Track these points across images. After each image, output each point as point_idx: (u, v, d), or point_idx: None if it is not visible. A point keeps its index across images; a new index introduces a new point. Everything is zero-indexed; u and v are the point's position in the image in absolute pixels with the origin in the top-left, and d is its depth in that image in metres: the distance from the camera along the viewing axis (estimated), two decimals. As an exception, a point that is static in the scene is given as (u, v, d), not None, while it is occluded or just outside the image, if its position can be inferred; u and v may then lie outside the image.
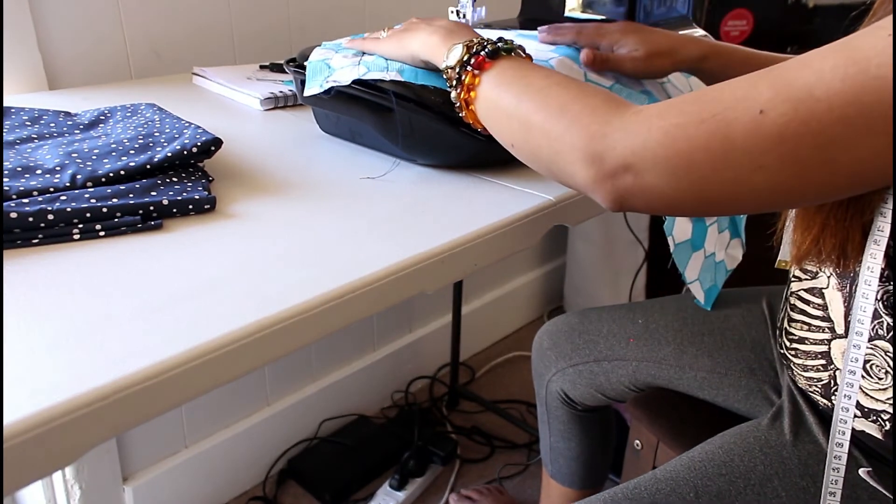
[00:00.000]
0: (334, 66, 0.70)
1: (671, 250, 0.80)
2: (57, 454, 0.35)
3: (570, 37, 0.75)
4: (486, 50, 0.56)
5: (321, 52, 0.73)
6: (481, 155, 0.69)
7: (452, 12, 0.84)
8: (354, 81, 0.67)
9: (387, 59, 0.67)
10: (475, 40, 0.58)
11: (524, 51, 0.59)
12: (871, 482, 0.63)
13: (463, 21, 0.83)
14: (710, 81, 0.75)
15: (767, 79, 0.43)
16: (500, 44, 0.57)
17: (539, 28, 0.79)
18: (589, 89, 0.51)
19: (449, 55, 0.58)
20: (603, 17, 1.13)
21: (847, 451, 0.58)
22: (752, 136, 0.42)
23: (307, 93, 0.71)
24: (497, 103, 0.55)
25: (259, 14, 1.18)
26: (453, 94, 0.59)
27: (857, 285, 0.57)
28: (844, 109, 0.40)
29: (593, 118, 0.48)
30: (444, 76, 0.59)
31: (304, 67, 0.74)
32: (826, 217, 0.56)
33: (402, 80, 0.65)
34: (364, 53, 0.69)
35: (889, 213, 0.52)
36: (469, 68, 0.56)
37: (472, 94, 0.57)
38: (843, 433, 0.59)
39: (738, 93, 0.44)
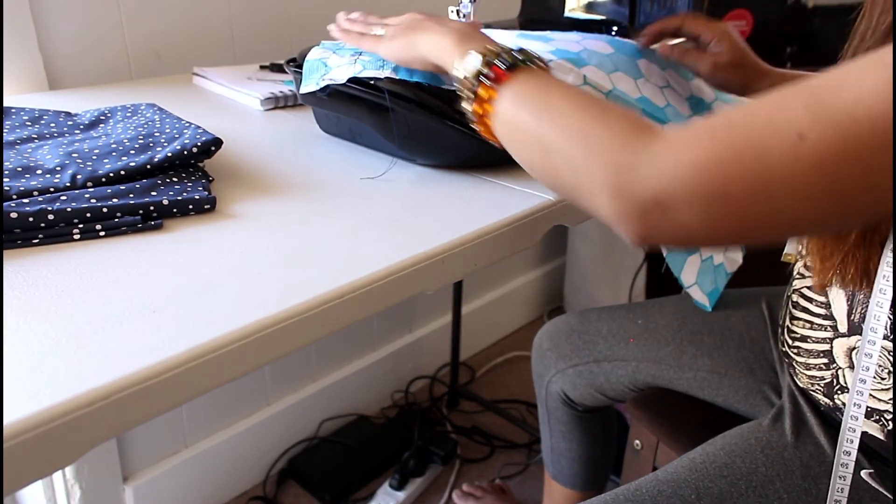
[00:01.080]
0: (331, 64, 0.70)
1: (664, 254, 0.79)
2: (57, 454, 0.35)
3: (676, 22, 0.76)
4: (504, 61, 0.52)
5: (319, 52, 0.73)
6: (481, 155, 0.69)
7: (452, 11, 0.83)
8: (352, 80, 0.67)
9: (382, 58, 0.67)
10: (491, 48, 0.54)
11: (543, 61, 0.55)
12: (873, 484, 0.63)
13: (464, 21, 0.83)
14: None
15: (804, 100, 0.40)
16: (518, 54, 0.53)
17: (644, 32, 0.78)
18: (613, 112, 0.48)
19: (463, 63, 0.54)
20: (603, 18, 1.13)
21: (854, 460, 0.57)
22: (792, 164, 0.40)
23: (303, 90, 0.71)
24: (516, 123, 0.51)
25: (259, 14, 1.18)
26: (466, 106, 0.55)
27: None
28: (887, 135, 0.38)
29: (620, 148, 0.45)
30: (457, 84, 0.55)
31: (303, 67, 0.74)
32: (847, 246, 0.55)
33: (397, 77, 0.65)
34: (361, 52, 0.69)
35: None
36: (486, 81, 0.52)
37: (487, 108, 0.53)
38: (852, 441, 0.58)
39: (774, 116, 0.41)
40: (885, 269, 0.54)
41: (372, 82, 0.66)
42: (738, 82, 0.74)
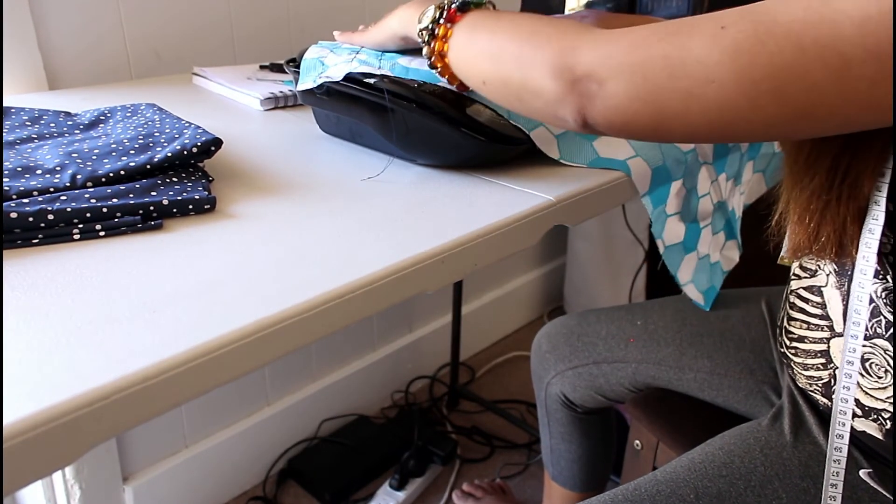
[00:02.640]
0: (328, 63, 0.70)
1: (661, 252, 0.80)
2: (57, 454, 0.35)
3: None
4: (457, 3, 0.58)
5: (317, 50, 0.73)
6: (481, 155, 0.69)
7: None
8: (352, 80, 0.67)
9: (378, 57, 0.68)
10: (446, 1, 0.59)
11: (493, 6, 0.60)
12: (872, 483, 0.63)
13: None
14: None
15: (740, 8, 0.44)
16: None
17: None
18: (559, 21, 0.53)
19: (422, 18, 0.60)
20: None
21: (847, 444, 0.57)
22: (709, 47, 0.43)
23: (300, 88, 0.72)
24: (470, 46, 0.56)
25: (259, 14, 1.18)
26: (426, 50, 0.60)
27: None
28: (800, 37, 0.40)
29: (565, 35, 0.50)
30: (419, 39, 0.60)
31: (304, 67, 0.74)
32: (822, 207, 0.56)
33: (394, 75, 0.65)
34: (358, 52, 0.70)
35: (882, 202, 0.52)
36: (441, 21, 0.58)
37: (445, 46, 0.58)
38: (843, 424, 0.58)
39: (708, 15, 0.45)
40: (864, 250, 0.54)
41: (372, 81, 0.66)
42: None
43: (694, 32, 0.44)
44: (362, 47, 0.71)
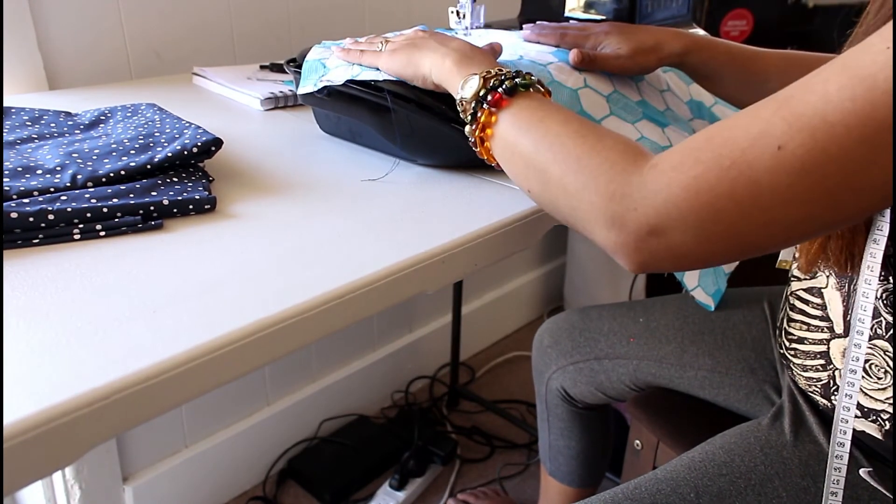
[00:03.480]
0: (329, 65, 0.70)
1: None
2: (57, 454, 0.35)
3: (553, 39, 0.75)
4: (504, 86, 0.54)
5: (319, 52, 0.73)
6: (481, 155, 0.69)
7: (452, 12, 0.83)
8: (352, 80, 0.67)
9: None
10: (492, 71, 0.55)
11: (542, 85, 0.56)
12: (872, 482, 0.63)
13: (463, 22, 0.83)
14: (693, 74, 0.76)
15: (776, 111, 0.42)
16: (517, 79, 0.54)
17: (524, 25, 0.79)
18: (608, 140, 0.49)
19: (464, 86, 0.56)
20: (603, 18, 1.13)
21: (848, 450, 0.57)
22: (776, 174, 0.41)
23: (301, 91, 0.71)
24: (514, 148, 0.53)
25: (259, 14, 1.18)
26: (467, 129, 0.56)
27: (856, 285, 0.57)
28: (861, 130, 0.39)
29: (613, 177, 0.46)
30: (459, 108, 0.57)
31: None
32: None
33: (395, 79, 0.65)
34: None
35: (888, 213, 0.52)
36: (485, 105, 0.54)
37: (487, 132, 0.55)
38: (845, 433, 0.59)
39: (751, 130, 0.42)
40: (868, 260, 0.54)
41: (372, 81, 0.66)
42: (657, 61, 0.73)
43: (753, 162, 0.42)
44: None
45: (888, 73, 0.38)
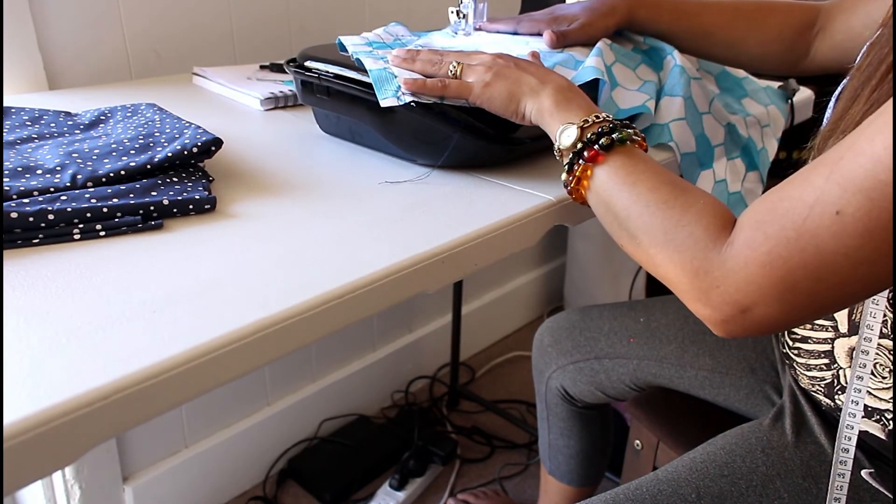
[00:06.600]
0: (400, 75, 0.66)
1: (678, 161, 0.76)
2: (57, 454, 0.35)
3: (533, 28, 0.79)
4: (601, 144, 0.55)
5: (362, 47, 0.72)
6: (481, 155, 0.69)
7: (453, 12, 0.83)
8: (351, 80, 0.67)
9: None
10: (590, 120, 0.57)
11: (638, 134, 0.57)
12: (874, 483, 0.63)
13: (465, 22, 0.83)
14: (643, 33, 0.81)
15: (828, 177, 0.43)
16: (615, 134, 0.55)
17: (498, 18, 0.83)
18: (692, 210, 0.51)
19: (562, 135, 0.58)
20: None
21: (852, 457, 0.58)
22: (840, 238, 0.43)
23: (384, 104, 0.64)
24: (606, 206, 0.56)
25: (259, 14, 1.18)
26: (563, 177, 0.58)
27: None
28: None
29: (695, 253, 0.49)
30: (556, 153, 0.59)
31: (303, 67, 0.74)
32: None
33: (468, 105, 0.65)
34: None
35: None
36: (582, 161, 0.56)
37: (583, 183, 0.57)
38: (850, 438, 0.59)
39: (807, 199, 0.44)
40: None
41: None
42: (615, 24, 0.78)
43: (816, 231, 0.43)
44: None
45: None
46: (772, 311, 0.46)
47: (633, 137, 0.57)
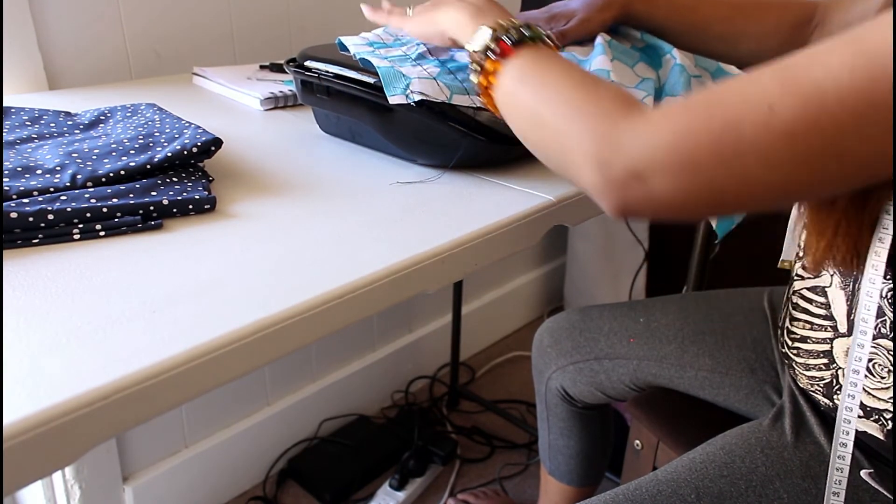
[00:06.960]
0: (409, 74, 0.67)
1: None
2: (57, 454, 0.35)
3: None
4: (511, 37, 0.55)
5: (364, 47, 0.72)
6: (481, 155, 0.69)
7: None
8: (351, 80, 0.67)
9: (443, 63, 0.67)
10: (502, 23, 0.56)
11: (552, 38, 0.57)
12: (873, 484, 0.63)
13: None
14: (639, 27, 0.79)
15: (775, 75, 0.42)
16: (525, 31, 0.55)
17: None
18: (604, 89, 0.50)
19: (474, 37, 0.57)
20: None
21: (850, 453, 0.57)
22: (762, 134, 0.41)
23: (392, 101, 0.65)
24: (514, 96, 0.54)
25: (259, 14, 1.18)
26: (473, 77, 0.58)
27: (860, 283, 0.57)
28: (854, 104, 0.39)
29: (603, 122, 0.48)
30: (468, 59, 0.58)
31: (303, 67, 0.74)
32: (838, 221, 0.56)
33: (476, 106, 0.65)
34: (416, 57, 0.69)
35: (892, 211, 0.52)
36: (492, 55, 0.55)
37: (491, 80, 0.56)
38: (847, 433, 0.59)
39: (747, 90, 0.43)
40: (873, 259, 0.54)
41: (372, 81, 0.66)
42: (612, 18, 0.77)
43: (740, 119, 0.42)
44: (406, 39, 0.69)
45: (891, 51, 0.38)
46: (666, 186, 0.45)
47: (546, 39, 0.56)
